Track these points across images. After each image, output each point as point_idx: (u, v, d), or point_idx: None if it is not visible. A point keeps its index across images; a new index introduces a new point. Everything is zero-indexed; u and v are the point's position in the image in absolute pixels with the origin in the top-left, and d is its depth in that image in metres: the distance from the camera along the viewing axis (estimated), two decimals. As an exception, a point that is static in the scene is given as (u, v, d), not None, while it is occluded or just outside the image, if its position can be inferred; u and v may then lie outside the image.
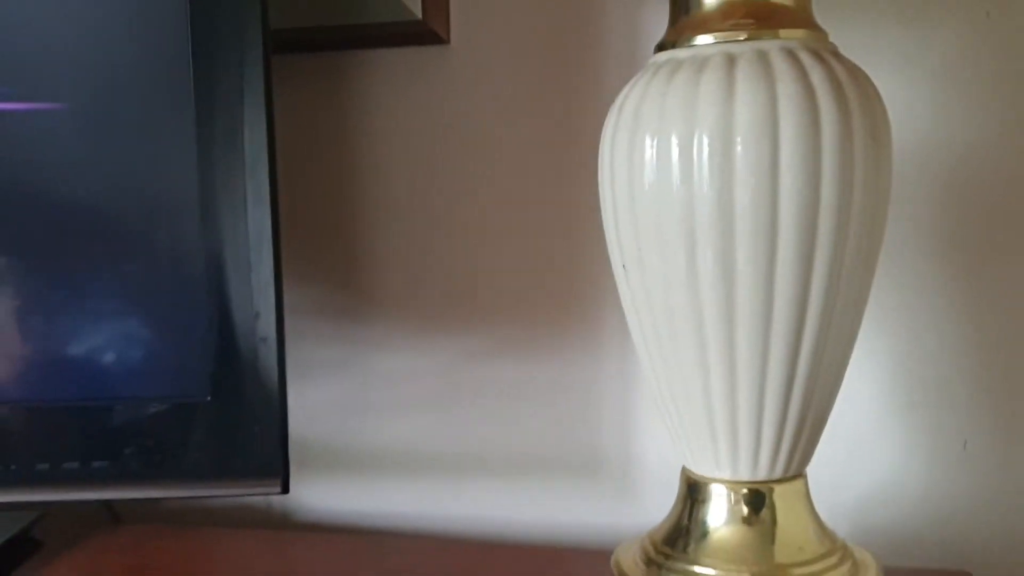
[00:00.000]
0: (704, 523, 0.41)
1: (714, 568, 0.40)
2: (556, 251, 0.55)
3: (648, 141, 0.38)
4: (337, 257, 0.61)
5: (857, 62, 0.41)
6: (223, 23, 0.42)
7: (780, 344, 0.38)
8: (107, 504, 0.59)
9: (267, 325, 0.43)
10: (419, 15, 0.54)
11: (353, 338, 0.61)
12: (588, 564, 0.52)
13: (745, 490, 0.41)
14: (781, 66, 0.36)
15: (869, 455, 0.55)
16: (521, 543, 0.58)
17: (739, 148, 0.36)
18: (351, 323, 0.62)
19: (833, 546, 0.42)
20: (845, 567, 0.41)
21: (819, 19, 0.40)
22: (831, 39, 0.40)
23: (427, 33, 0.56)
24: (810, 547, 0.41)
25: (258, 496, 0.63)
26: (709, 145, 0.36)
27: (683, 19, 0.40)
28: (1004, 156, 0.52)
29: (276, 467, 0.44)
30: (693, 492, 0.42)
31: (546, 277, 0.58)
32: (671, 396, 0.41)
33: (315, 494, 0.63)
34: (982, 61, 0.52)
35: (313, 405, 0.62)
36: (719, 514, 0.41)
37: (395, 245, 0.60)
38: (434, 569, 0.52)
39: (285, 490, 0.44)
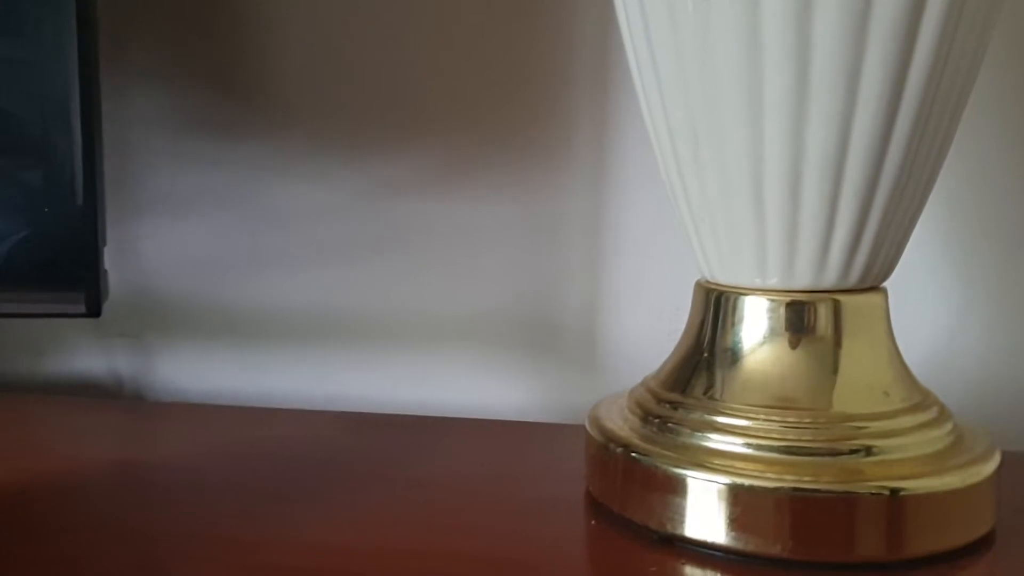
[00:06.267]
0: (734, 348, 0.27)
1: (746, 416, 0.26)
2: (511, 48, 0.43)
3: None
4: (220, 53, 0.46)
5: None
6: None
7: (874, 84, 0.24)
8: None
9: (73, 128, 0.32)
10: None
11: (234, 161, 0.47)
12: (550, 437, 0.38)
13: (798, 301, 0.26)
14: None
15: (918, 316, 0.43)
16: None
17: None
18: (234, 141, 0.47)
19: (925, 398, 0.27)
20: (945, 428, 0.27)
21: None
22: None
23: None
24: (896, 391, 0.27)
25: (107, 379, 0.49)
26: None
27: None
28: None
29: (81, 280, 0.32)
30: (718, 310, 0.27)
31: (496, 84, 0.44)
32: (693, 154, 0.26)
33: (178, 369, 0.49)
34: None
35: (178, 251, 0.48)
36: (755, 334, 0.27)
37: (296, 39, 0.46)
38: (332, 440, 0.38)
39: (92, 311, 0.31)
